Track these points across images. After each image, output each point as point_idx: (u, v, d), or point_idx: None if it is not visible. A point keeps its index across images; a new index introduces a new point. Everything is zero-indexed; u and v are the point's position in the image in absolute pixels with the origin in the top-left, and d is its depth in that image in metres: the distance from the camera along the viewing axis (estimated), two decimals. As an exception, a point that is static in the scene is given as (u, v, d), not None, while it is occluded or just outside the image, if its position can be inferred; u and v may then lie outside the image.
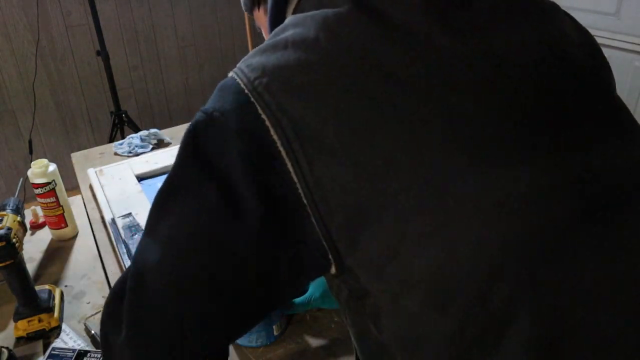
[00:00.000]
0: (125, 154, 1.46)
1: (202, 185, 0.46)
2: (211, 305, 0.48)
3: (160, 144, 1.52)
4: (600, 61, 0.55)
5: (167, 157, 1.38)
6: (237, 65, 0.49)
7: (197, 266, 0.47)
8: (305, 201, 0.44)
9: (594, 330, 0.44)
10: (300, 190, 0.44)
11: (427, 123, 0.44)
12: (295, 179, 0.44)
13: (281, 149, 0.43)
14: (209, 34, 2.94)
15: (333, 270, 0.48)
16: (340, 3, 0.48)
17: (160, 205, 0.49)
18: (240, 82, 0.46)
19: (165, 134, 1.55)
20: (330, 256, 0.47)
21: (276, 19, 0.57)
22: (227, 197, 0.45)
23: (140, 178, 1.30)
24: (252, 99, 0.45)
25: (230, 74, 0.49)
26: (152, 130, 1.53)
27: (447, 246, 0.43)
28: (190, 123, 0.48)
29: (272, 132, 0.44)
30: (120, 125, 2.45)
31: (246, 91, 0.45)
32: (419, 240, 0.44)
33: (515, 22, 0.51)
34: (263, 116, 0.44)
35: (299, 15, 0.50)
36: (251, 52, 0.50)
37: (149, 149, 1.47)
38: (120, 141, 1.51)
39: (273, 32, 0.51)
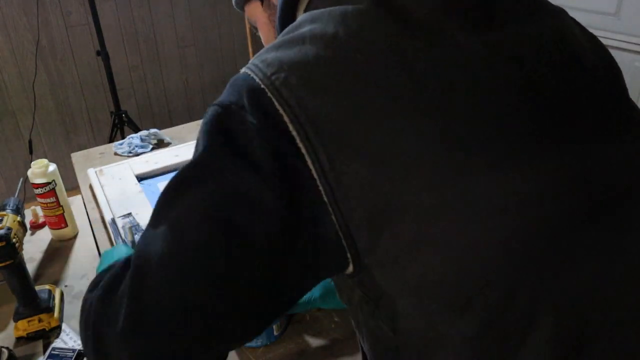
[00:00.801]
0: (125, 154, 1.46)
1: (224, 173, 0.44)
2: (216, 298, 0.44)
3: (160, 144, 1.52)
4: (609, 63, 0.56)
5: (167, 157, 1.38)
6: (250, 61, 0.47)
7: (207, 254, 0.44)
8: (325, 199, 0.43)
9: (615, 329, 0.44)
10: (320, 188, 0.42)
11: (452, 121, 0.43)
12: (316, 176, 0.42)
13: (300, 145, 0.42)
14: (209, 34, 2.94)
15: (350, 269, 0.47)
16: (358, 0, 0.47)
17: (172, 195, 0.46)
18: (255, 77, 0.45)
19: (165, 134, 1.55)
20: (348, 255, 0.45)
21: (287, 16, 0.57)
22: (250, 186, 0.43)
23: (140, 178, 1.30)
24: (269, 94, 0.43)
25: (243, 70, 0.47)
26: (152, 130, 1.53)
27: (471, 247, 0.43)
28: (205, 118, 0.46)
29: (290, 127, 0.42)
30: (120, 125, 2.44)
31: (262, 86, 0.43)
32: (442, 241, 0.43)
33: (533, 22, 0.51)
34: (281, 111, 0.42)
35: (315, 12, 0.49)
36: (264, 49, 0.49)
37: (149, 149, 1.47)
38: (120, 141, 1.51)
39: (286, 30, 0.50)
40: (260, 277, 0.45)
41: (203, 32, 2.91)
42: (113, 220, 1.10)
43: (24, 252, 0.87)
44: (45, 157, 1.28)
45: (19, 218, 0.87)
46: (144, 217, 1.11)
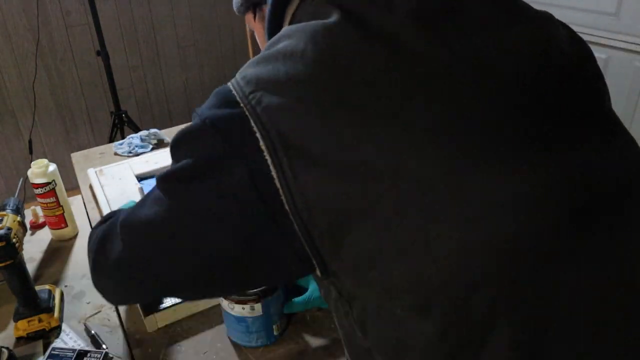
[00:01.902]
0: (125, 154, 1.46)
1: (191, 184, 0.50)
2: (183, 279, 0.54)
3: (160, 144, 1.52)
4: (591, 71, 0.56)
5: (167, 157, 1.37)
6: (236, 75, 0.52)
7: (178, 247, 0.52)
8: (287, 208, 0.46)
9: (575, 339, 0.45)
10: (283, 198, 0.46)
11: (408, 129, 0.45)
12: (279, 186, 0.46)
13: (267, 157, 0.46)
14: (209, 34, 2.94)
15: (318, 273, 0.50)
16: (330, 14, 0.50)
17: (162, 186, 0.53)
18: (236, 94, 0.49)
19: (165, 134, 1.55)
20: (314, 262, 0.49)
21: (274, 28, 0.59)
22: (218, 196, 0.49)
23: (140, 178, 1.30)
24: (247, 113, 0.47)
25: (229, 84, 0.51)
26: (152, 130, 1.53)
27: (427, 253, 0.44)
28: (191, 126, 0.51)
29: (261, 143, 0.46)
30: (120, 125, 2.45)
31: (241, 105, 0.48)
32: (399, 248, 0.45)
33: (504, 28, 0.51)
34: (254, 128, 0.46)
35: (292, 27, 0.52)
36: (248, 62, 0.52)
37: (149, 149, 1.47)
38: (120, 141, 1.51)
39: (269, 43, 0.53)
40: (221, 271, 0.53)
41: (203, 32, 2.91)
42: (113, 220, 1.10)
43: (24, 252, 0.87)
44: (45, 157, 1.28)
45: (19, 218, 0.87)
46: (144, 217, 1.11)
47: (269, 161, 0.46)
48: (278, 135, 0.46)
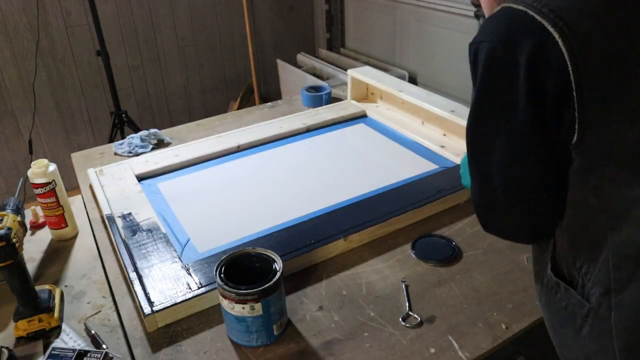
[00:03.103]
0: (125, 154, 1.46)
1: (509, 110, 0.61)
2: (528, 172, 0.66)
3: (160, 144, 1.52)
4: None
5: (167, 157, 1.38)
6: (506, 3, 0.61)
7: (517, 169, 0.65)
8: (572, 79, 0.56)
9: None
10: (570, 68, 0.56)
11: None
12: (570, 67, 0.56)
13: (565, 53, 0.55)
14: (209, 34, 2.94)
15: (574, 139, 0.59)
16: None
17: (480, 141, 0.67)
18: (519, 6, 0.58)
19: (165, 134, 1.55)
20: (576, 126, 0.58)
21: None
22: (532, 111, 0.60)
23: (140, 178, 1.30)
24: (539, 18, 0.56)
25: (502, 6, 0.61)
26: (152, 130, 1.53)
27: None
28: (480, 56, 0.61)
29: (556, 37, 0.55)
30: (120, 125, 2.45)
31: (531, 13, 0.57)
32: None
33: None
34: (550, 29, 0.56)
35: None
36: None
37: (149, 149, 1.47)
38: (120, 141, 1.51)
39: None
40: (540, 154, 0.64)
41: (203, 32, 2.91)
42: (113, 220, 1.10)
43: (24, 252, 0.87)
44: (45, 157, 1.28)
45: (19, 218, 0.87)
46: (143, 217, 1.11)
47: (566, 57, 0.56)
48: (575, 37, 0.57)
